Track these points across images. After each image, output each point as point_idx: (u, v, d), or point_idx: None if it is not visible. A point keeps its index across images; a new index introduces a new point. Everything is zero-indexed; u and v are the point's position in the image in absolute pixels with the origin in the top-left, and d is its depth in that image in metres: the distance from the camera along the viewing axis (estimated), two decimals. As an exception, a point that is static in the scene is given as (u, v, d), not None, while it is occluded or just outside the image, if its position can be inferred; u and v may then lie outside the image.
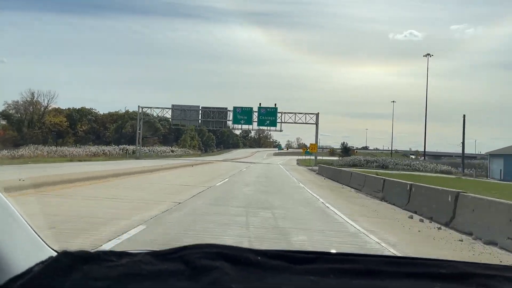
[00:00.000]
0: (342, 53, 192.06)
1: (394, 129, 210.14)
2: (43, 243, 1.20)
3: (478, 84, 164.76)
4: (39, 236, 1.19)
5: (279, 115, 54.83)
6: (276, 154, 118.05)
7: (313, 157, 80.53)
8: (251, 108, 53.93)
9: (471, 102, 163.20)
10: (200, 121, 57.09)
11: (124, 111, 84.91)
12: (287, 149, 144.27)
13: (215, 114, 53.21)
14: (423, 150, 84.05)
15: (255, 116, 53.60)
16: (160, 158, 59.37)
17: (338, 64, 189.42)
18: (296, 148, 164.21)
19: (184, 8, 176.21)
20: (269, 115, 52.53)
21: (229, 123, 55.05)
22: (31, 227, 1.18)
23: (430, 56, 70.66)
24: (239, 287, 0.86)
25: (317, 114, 57.99)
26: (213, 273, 0.89)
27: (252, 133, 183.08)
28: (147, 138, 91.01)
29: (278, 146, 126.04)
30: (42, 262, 0.97)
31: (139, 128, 54.77)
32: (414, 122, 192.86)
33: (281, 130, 55.97)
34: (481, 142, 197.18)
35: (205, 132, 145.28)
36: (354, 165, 57.40)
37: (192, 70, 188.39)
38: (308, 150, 69.42)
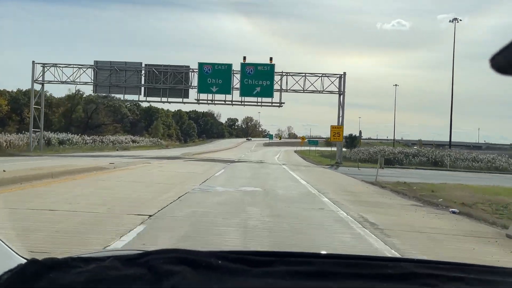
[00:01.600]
0: (329, 43, 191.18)
1: (380, 119, 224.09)
2: (11, 251, 1.21)
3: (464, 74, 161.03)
4: (5, 244, 1.21)
5: (277, 78, 34.04)
6: (266, 145, 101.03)
7: (316, 148, 64.13)
8: (230, 66, 33.53)
9: (457, 92, 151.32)
10: (143, 89, 34.32)
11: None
12: (280, 139, 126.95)
13: (170, 78, 33.46)
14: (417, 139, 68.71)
15: (236, 80, 33.20)
16: (92, 152, 41.07)
17: (325, 54, 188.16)
18: (288, 138, 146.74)
19: None
20: (260, 78, 32.90)
21: (193, 92, 33.62)
22: None
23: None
24: None
25: (342, 76, 36.54)
26: (174, 278, 0.94)
27: (239, 122, 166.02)
28: (106, 125, 73.13)
29: (268, 135, 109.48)
30: (10, 270, 0.97)
31: (33, 103, 36.13)
32: (402, 112, 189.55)
33: (280, 105, 35.18)
34: (467, 131, 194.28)
35: (185, 119, 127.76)
36: (389, 162, 40.28)
37: (177, 60, 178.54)
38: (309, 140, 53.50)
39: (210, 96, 33.44)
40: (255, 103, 34.72)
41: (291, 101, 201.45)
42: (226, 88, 32.59)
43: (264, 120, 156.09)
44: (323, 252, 1.81)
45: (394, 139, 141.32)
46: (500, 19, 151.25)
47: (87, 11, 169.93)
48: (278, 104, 34.88)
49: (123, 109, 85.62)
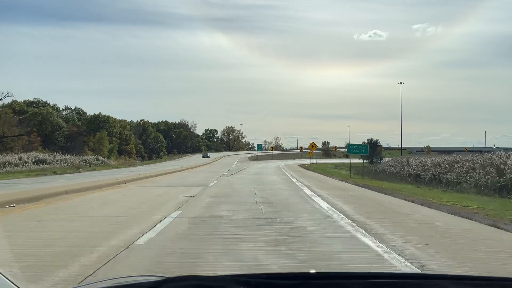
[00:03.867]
0: (306, 56, 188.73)
1: (361, 129, 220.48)
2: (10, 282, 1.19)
3: (439, 82, 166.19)
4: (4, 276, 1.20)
5: None
6: (254, 159, 78.25)
7: (333, 161, 41.18)
8: None
9: (432, 99, 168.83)
10: None
11: None
12: (272, 150, 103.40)
13: None
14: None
15: None
16: None
17: (302, 67, 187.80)
18: (277, 150, 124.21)
19: (144, 15, 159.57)
20: None
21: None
22: None
23: None
24: None
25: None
26: None
27: (219, 133, 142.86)
28: (13, 139, 49.36)
29: (257, 146, 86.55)
30: None
31: None
32: (381, 121, 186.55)
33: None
34: (445, 137, 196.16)
35: (151, 131, 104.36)
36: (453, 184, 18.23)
37: (153, 76, 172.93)
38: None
39: None
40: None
41: (272, 114, 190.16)
42: None
43: (246, 132, 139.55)
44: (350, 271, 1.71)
45: (401, 147, 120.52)
46: (472, 28, 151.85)
47: (60, 30, 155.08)
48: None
49: (54, 119, 61.82)
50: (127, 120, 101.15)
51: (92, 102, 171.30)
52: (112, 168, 47.69)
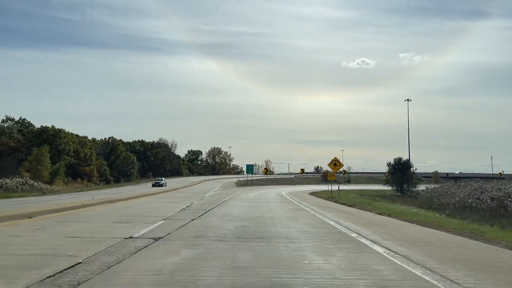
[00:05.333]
0: (295, 82, 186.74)
1: (350, 155, 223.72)
2: None
3: (425, 109, 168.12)
4: None
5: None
6: (242, 184, 63.26)
7: (349, 188, 26.80)
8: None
9: (419, 126, 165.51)
10: None
11: None
12: (266, 173, 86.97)
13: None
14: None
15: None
16: None
17: (292, 93, 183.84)
18: (267, 175, 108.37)
19: (136, 40, 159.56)
20: None
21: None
22: None
23: None
24: None
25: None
26: None
27: (204, 155, 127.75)
28: None
29: (247, 167, 67.50)
30: None
31: None
32: (371, 148, 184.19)
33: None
34: (434, 164, 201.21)
35: (121, 151, 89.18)
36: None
37: (141, 100, 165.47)
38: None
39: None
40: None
41: (261, 139, 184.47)
42: None
43: (234, 157, 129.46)
44: None
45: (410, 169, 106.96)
46: (456, 57, 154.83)
47: (51, 55, 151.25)
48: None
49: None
50: (92, 138, 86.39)
51: (76, 124, 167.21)
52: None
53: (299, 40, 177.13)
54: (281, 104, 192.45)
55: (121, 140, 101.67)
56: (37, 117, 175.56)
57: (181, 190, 39.52)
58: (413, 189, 41.83)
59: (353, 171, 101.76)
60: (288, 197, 30.29)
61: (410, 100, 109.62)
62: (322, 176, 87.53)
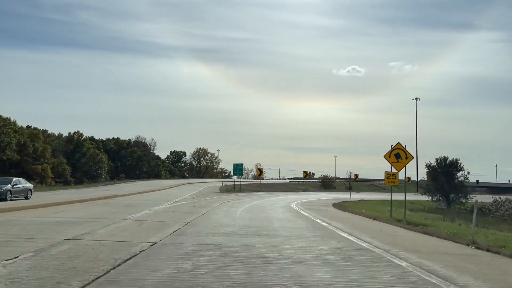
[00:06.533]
0: (285, 89, 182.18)
1: (340, 162, 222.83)
2: None
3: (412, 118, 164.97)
4: None
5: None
6: (228, 190, 49.98)
7: (368, 197, 20.67)
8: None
9: (406, 135, 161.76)
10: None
11: None
12: (259, 175, 71.88)
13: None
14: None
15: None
16: None
17: (282, 99, 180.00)
18: (254, 179, 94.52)
19: (126, 43, 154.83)
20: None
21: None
22: None
23: None
24: None
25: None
26: None
27: (188, 157, 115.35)
28: None
29: (235, 168, 53.69)
30: None
31: None
32: (357, 156, 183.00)
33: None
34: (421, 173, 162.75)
35: (88, 148, 76.62)
36: None
37: (129, 103, 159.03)
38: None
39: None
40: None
41: (251, 144, 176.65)
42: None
43: (223, 162, 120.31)
44: None
45: (417, 180, 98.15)
46: (443, 67, 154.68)
47: (40, 55, 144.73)
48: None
49: None
50: (51, 132, 74.04)
51: (60, 125, 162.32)
52: None
53: (290, 47, 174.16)
54: (271, 111, 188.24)
55: (92, 136, 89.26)
56: (24, 118, 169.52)
57: (123, 198, 27.14)
58: (462, 200, 30.57)
59: (353, 178, 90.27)
60: (317, 219, 18.15)
61: (419, 99, 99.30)
62: (320, 182, 75.94)
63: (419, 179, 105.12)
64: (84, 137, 75.70)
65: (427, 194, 34.93)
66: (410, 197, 49.60)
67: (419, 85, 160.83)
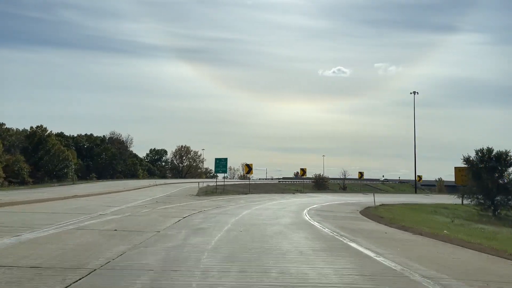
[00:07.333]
0: (271, 89, 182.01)
1: (327, 163, 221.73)
2: None
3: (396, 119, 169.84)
4: None
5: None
6: (208, 192, 41.48)
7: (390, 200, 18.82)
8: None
9: (390, 136, 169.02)
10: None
11: None
12: (247, 173, 60.78)
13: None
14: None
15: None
16: None
17: (267, 100, 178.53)
18: (241, 179, 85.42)
19: (108, 42, 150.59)
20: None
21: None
22: None
23: None
24: None
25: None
26: None
27: (169, 155, 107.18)
28: None
29: (217, 165, 44.59)
30: None
31: None
32: (342, 156, 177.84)
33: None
34: (405, 173, 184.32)
35: (53, 143, 68.28)
36: None
37: (113, 102, 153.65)
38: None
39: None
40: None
41: (236, 145, 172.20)
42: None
43: (208, 162, 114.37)
44: None
45: (415, 180, 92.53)
46: (427, 69, 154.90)
47: (18, 54, 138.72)
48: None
49: None
50: (10, 127, 65.86)
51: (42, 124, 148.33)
52: None
53: (276, 48, 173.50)
54: (257, 111, 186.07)
55: (61, 133, 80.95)
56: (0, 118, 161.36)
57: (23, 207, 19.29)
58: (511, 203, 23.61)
59: (348, 177, 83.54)
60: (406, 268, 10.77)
61: (417, 93, 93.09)
62: (313, 182, 68.74)
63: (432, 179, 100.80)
64: (48, 132, 67.27)
65: (466, 196, 27.97)
66: (404, 198, 43.02)
67: (404, 86, 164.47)
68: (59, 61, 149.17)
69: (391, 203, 31.13)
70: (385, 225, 16.05)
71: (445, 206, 28.81)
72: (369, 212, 21.42)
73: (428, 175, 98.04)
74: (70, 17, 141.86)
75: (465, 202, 28.69)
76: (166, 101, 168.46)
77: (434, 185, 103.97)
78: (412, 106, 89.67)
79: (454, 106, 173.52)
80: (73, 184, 51.16)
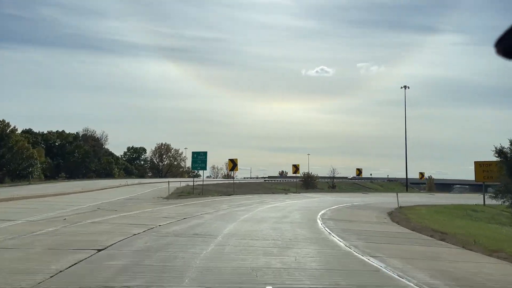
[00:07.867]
0: (255, 89, 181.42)
1: (312, 162, 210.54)
2: None
3: (379, 119, 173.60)
4: None
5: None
6: (184, 193, 36.25)
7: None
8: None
9: (373, 135, 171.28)
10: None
11: None
12: (232, 170, 53.13)
13: None
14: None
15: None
16: None
17: (252, 99, 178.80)
18: (225, 179, 79.49)
19: (89, 40, 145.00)
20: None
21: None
22: None
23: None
24: None
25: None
26: None
27: (148, 153, 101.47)
28: None
29: (195, 160, 38.57)
30: None
31: None
32: (326, 156, 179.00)
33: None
34: (387, 172, 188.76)
35: (15, 141, 62.20)
36: None
37: (96, 102, 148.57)
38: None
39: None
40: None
41: (221, 144, 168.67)
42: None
43: (187, 156, 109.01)
44: None
45: (407, 178, 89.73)
46: (409, 68, 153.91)
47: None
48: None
49: None
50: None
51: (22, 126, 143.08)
52: None
53: (260, 48, 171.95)
54: (241, 110, 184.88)
55: (30, 129, 74.81)
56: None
57: None
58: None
59: (338, 176, 79.25)
60: None
61: (408, 87, 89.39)
62: (302, 181, 64.13)
63: (424, 177, 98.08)
64: (11, 127, 61.25)
65: (499, 196, 23.73)
66: (406, 198, 38.79)
67: (386, 86, 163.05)
68: (39, 59, 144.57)
69: (411, 205, 26.33)
70: (483, 254, 10.48)
71: (465, 208, 24.57)
72: (417, 225, 15.84)
73: (410, 173, 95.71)
74: (50, 14, 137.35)
75: (491, 202, 24.60)
76: (148, 100, 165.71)
77: (419, 184, 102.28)
78: (394, 106, 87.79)
79: (435, 105, 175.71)
80: (29, 184, 45.42)
